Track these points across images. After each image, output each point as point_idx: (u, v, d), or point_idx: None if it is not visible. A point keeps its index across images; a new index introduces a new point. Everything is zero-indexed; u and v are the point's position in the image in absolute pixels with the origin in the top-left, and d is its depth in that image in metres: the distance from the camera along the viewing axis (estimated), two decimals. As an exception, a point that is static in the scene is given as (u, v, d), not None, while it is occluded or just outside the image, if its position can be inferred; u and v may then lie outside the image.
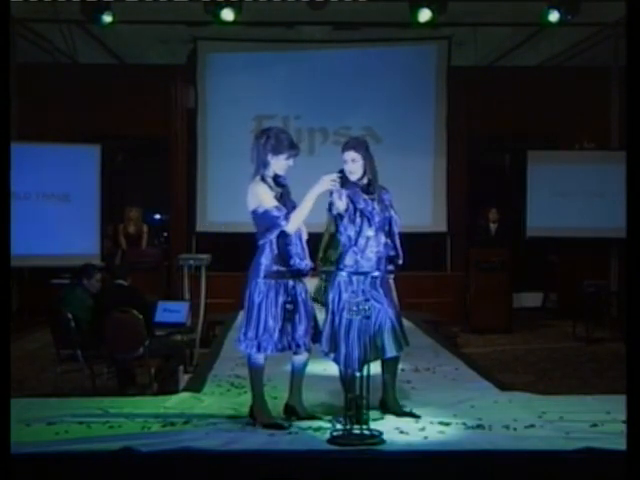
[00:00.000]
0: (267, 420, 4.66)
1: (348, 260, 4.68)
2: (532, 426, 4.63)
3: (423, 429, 4.58)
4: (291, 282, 4.71)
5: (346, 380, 4.57)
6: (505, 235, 11.48)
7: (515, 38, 12.06)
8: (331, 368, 5.19)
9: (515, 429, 4.58)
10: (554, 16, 10.30)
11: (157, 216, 14.23)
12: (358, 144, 4.83)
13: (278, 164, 4.68)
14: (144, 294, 7.12)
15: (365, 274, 4.65)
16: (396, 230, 4.89)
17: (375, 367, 4.74)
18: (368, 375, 4.48)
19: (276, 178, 4.72)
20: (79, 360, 6.56)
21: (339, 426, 4.44)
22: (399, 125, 12.00)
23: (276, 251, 4.65)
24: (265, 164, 4.66)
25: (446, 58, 12.07)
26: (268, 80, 11.98)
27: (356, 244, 4.67)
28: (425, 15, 10.19)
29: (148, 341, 6.52)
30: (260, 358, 4.72)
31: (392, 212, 4.87)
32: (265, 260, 4.67)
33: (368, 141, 4.98)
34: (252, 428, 4.61)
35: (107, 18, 10.25)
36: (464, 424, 4.67)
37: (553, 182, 11.74)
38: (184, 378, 6.63)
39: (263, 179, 4.66)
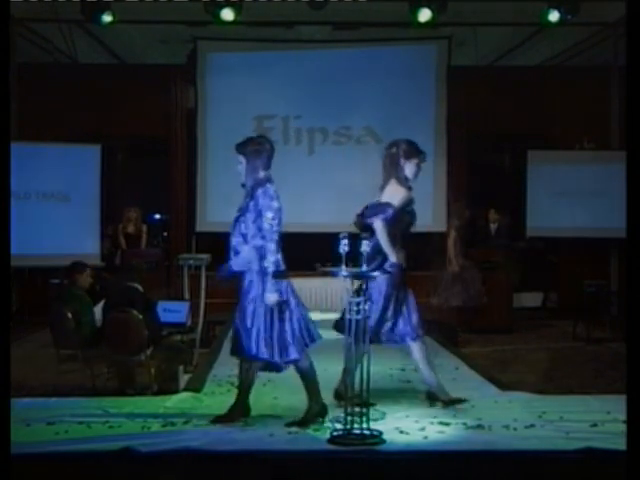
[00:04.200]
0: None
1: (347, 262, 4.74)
2: (532, 426, 4.64)
3: (423, 429, 4.58)
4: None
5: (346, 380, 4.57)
6: (505, 235, 11.47)
7: (515, 38, 12.05)
8: (331, 368, 5.20)
9: (515, 429, 4.58)
10: (554, 16, 10.30)
11: (157, 216, 14.21)
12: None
13: (410, 168, 5.17)
14: (152, 299, 7.04)
15: (364, 275, 4.67)
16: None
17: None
18: (368, 374, 4.48)
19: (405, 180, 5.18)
20: (79, 360, 6.55)
21: (339, 426, 4.44)
22: (399, 125, 11.95)
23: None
24: (400, 168, 5.14)
25: (446, 58, 12.05)
26: (268, 80, 11.96)
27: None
28: (425, 15, 10.18)
29: (152, 348, 6.47)
30: None
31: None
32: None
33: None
34: (252, 428, 4.61)
35: (107, 18, 10.25)
36: (464, 424, 4.67)
37: (553, 182, 11.72)
38: (184, 378, 6.62)
39: (399, 182, 5.11)
